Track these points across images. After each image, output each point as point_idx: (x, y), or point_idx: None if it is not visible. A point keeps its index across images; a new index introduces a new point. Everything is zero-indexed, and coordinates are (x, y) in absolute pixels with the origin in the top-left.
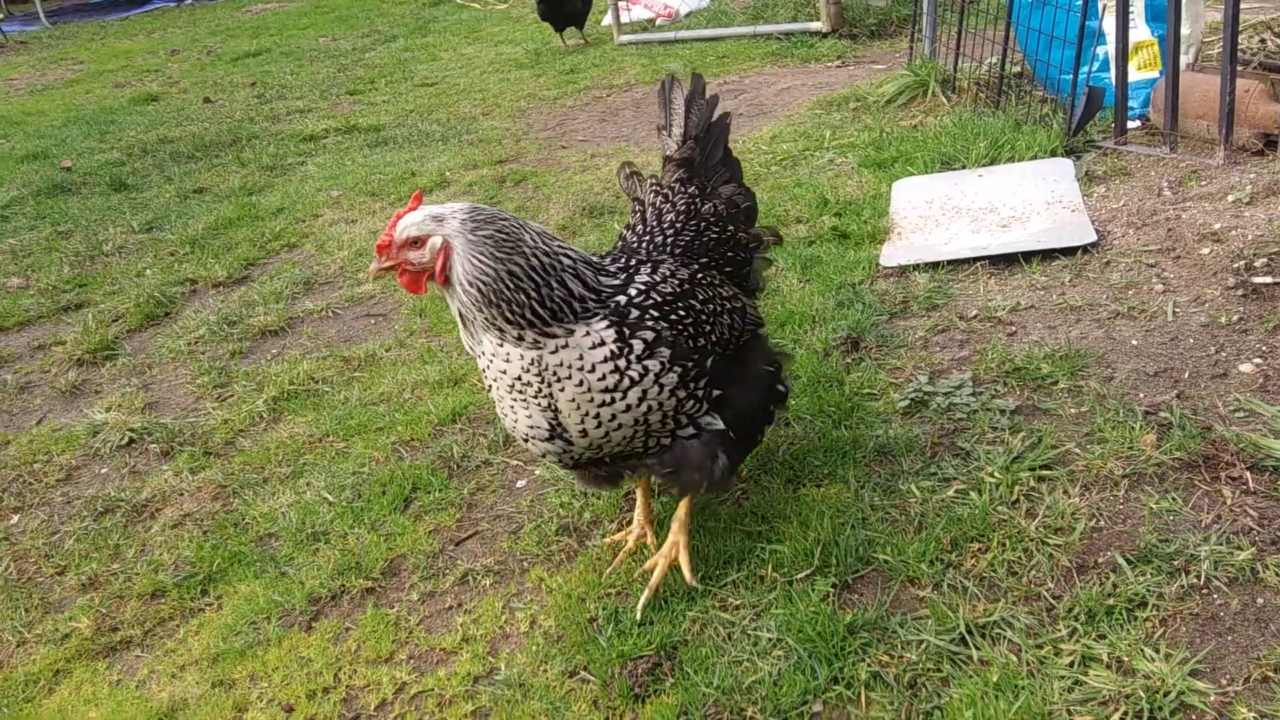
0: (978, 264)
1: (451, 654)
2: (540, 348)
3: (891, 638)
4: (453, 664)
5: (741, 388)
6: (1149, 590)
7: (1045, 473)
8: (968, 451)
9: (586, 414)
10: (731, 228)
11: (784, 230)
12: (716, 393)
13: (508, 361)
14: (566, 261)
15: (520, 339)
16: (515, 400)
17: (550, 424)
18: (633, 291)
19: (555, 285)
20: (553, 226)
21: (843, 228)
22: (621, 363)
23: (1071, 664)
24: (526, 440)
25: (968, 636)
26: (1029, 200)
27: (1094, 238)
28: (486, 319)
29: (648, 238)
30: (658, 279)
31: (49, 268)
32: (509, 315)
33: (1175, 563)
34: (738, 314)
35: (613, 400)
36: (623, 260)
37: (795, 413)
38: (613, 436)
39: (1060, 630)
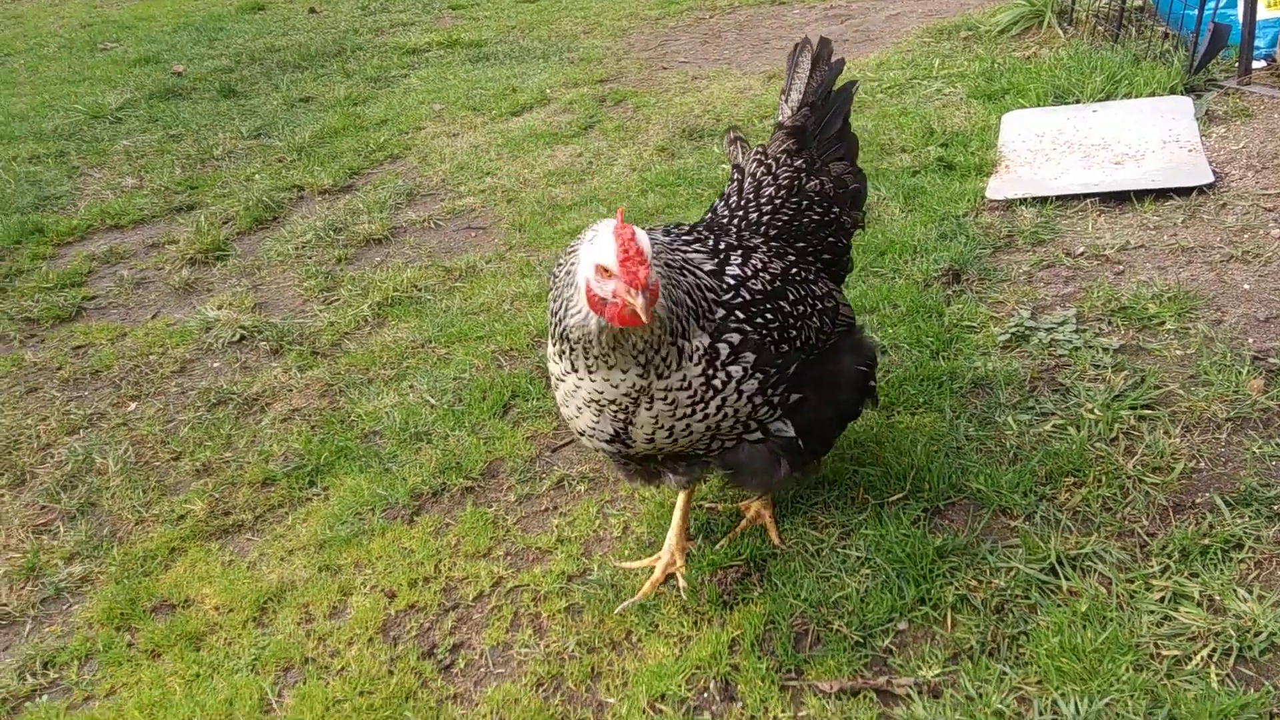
0: (1087, 201)
1: (546, 553)
2: (659, 373)
3: (980, 563)
4: (548, 562)
5: (821, 393)
6: (1246, 533)
7: (1146, 412)
8: (1067, 387)
9: (660, 425)
10: (836, 209)
11: (888, 159)
12: (794, 397)
13: (613, 387)
14: (679, 246)
15: (662, 363)
16: (589, 409)
17: (616, 430)
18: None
19: (694, 275)
20: (651, 148)
21: (948, 159)
22: (709, 371)
23: (1162, 599)
24: (582, 434)
25: (1058, 567)
26: (1144, 138)
27: (1211, 179)
28: (656, 338)
29: (740, 214)
30: (748, 273)
31: (161, 169)
32: (673, 325)
33: (1275, 507)
34: (828, 315)
35: (692, 412)
36: (711, 241)
37: (892, 341)
38: (680, 442)
39: (1152, 566)
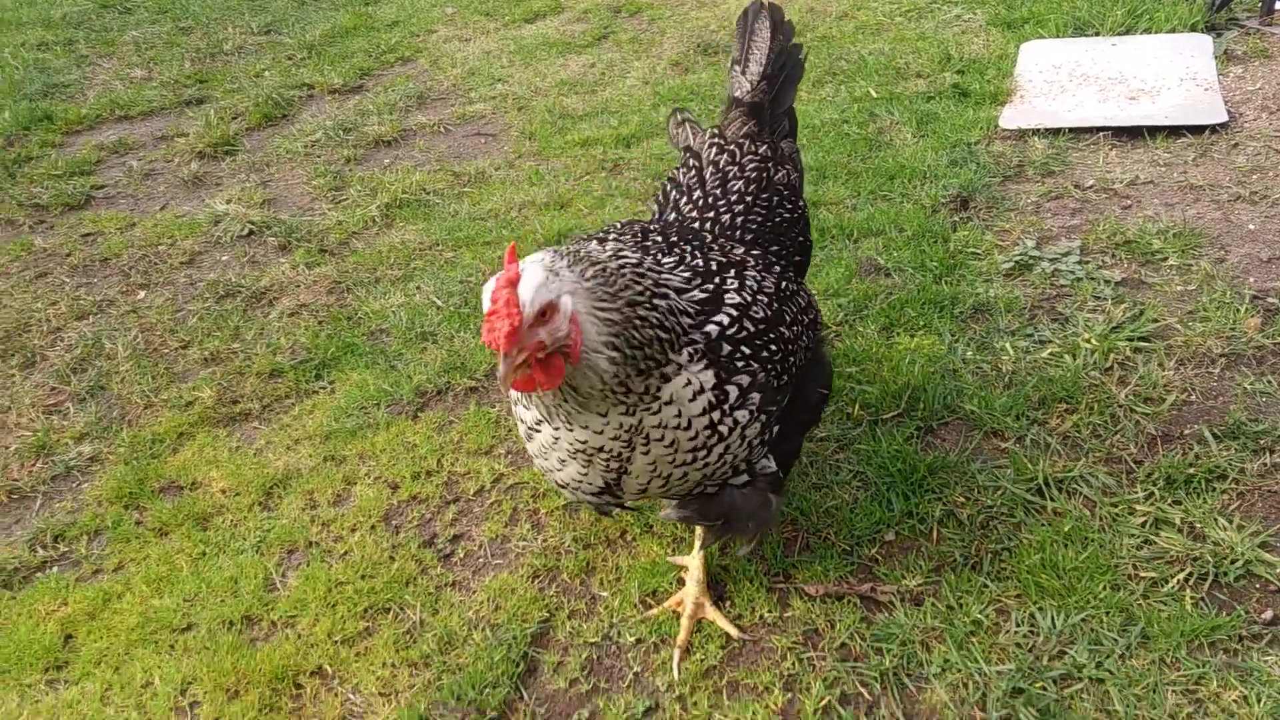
0: (1100, 134)
1: None
2: (649, 407)
3: (969, 481)
4: None
5: (794, 419)
6: (1230, 464)
7: (1143, 344)
8: (1067, 317)
9: (658, 473)
10: (803, 204)
11: (903, 84)
12: (776, 429)
13: (598, 434)
14: (650, 264)
15: (642, 397)
16: (575, 460)
17: (607, 482)
18: (723, 319)
19: (660, 301)
20: (665, 62)
21: (964, 86)
22: (716, 415)
23: (1144, 524)
24: (564, 487)
25: (1045, 488)
26: (1161, 74)
27: (1225, 118)
28: (615, 385)
29: (712, 215)
30: (747, 298)
31: (171, 62)
32: (640, 366)
33: (1261, 441)
34: (811, 330)
35: (693, 459)
36: (695, 258)
37: (896, 264)
38: (673, 490)
39: (1137, 492)
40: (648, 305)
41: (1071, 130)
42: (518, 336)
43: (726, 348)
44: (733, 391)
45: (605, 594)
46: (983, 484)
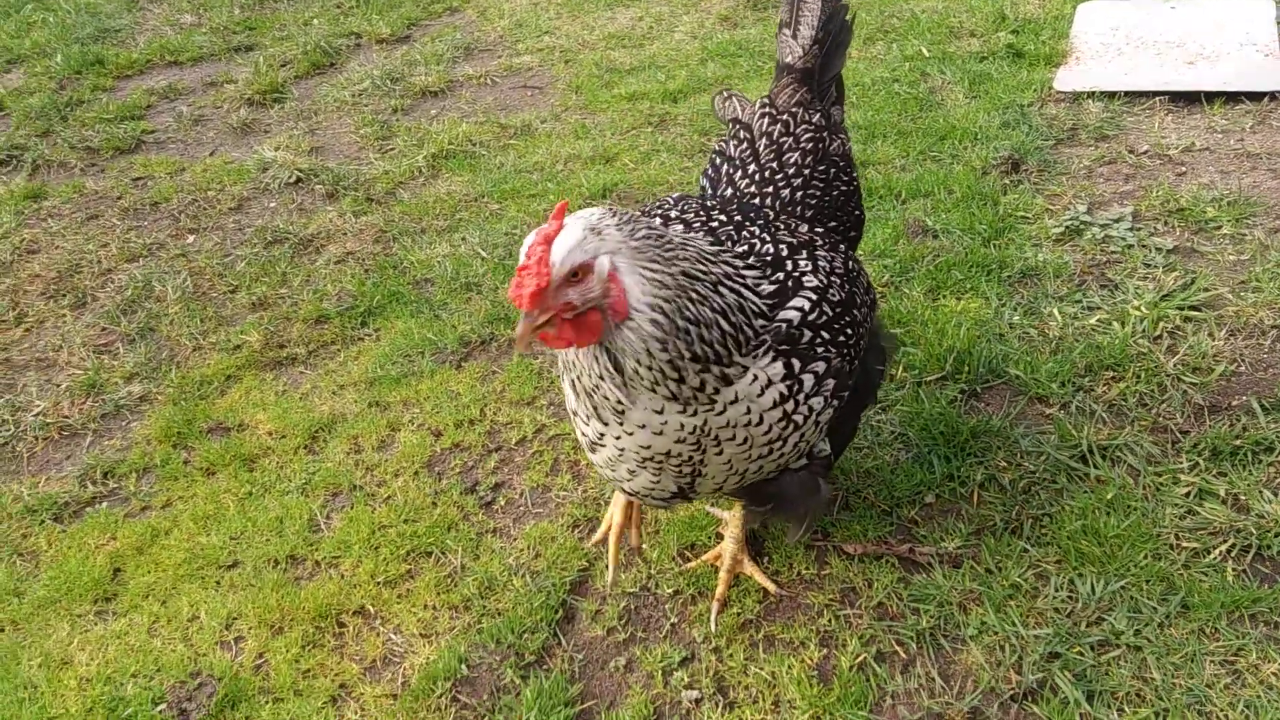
0: (1156, 99)
1: None
2: (711, 406)
3: (1012, 446)
4: None
5: (853, 399)
6: (1279, 437)
7: (1193, 313)
8: (1117, 284)
9: (734, 471)
10: (856, 174)
11: (955, 43)
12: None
13: (659, 434)
14: (727, 258)
15: (697, 393)
16: (645, 470)
17: (680, 487)
18: (803, 304)
19: (727, 292)
20: (714, 16)
21: (1018, 46)
22: (789, 406)
23: (1188, 495)
24: (635, 495)
25: (1088, 455)
26: (1220, 39)
27: None
28: (664, 364)
29: (770, 190)
30: (822, 280)
31: (220, 8)
32: (696, 350)
33: None
34: (873, 309)
35: (770, 451)
36: (756, 229)
37: (944, 226)
38: (747, 481)
39: (1182, 462)
40: (709, 286)
41: (1127, 94)
42: (542, 297)
43: (807, 334)
44: (808, 380)
45: (645, 545)
46: (1026, 449)
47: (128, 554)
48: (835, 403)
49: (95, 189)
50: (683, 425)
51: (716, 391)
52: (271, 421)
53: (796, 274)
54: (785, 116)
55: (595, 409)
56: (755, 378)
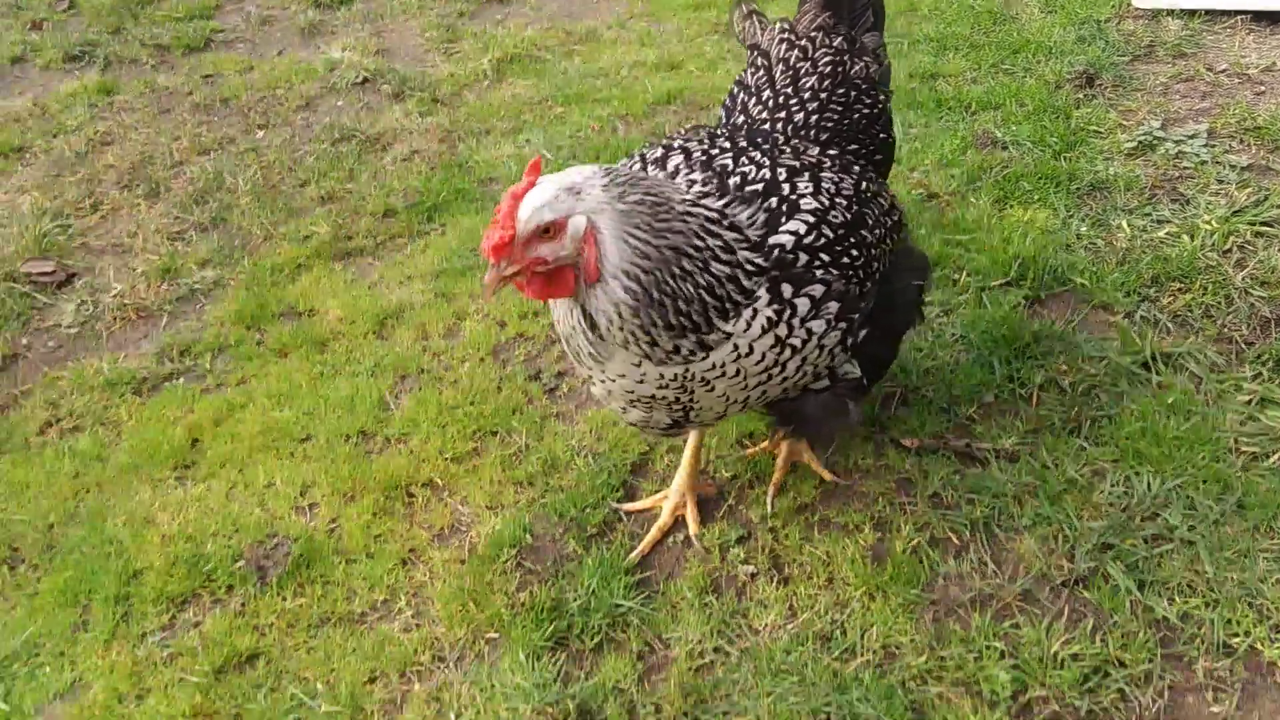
0: (1237, 18)
1: None
2: (690, 361)
3: (1074, 351)
4: None
5: (882, 321)
6: None
7: (1264, 229)
8: (1188, 199)
9: (731, 401)
10: (883, 98)
11: None
12: (863, 334)
13: (640, 383)
14: (726, 226)
15: (670, 355)
16: (635, 408)
17: (675, 419)
18: (798, 227)
19: (720, 266)
20: None
21: None
22: (782, 330)
23: (1249, 402)
24: (634, 426)
25: (1151, 362)
26: None
27: None
28: (636, 329)
29: (783, 115)
30: (824, 202)
31: None
32: (671, 320)
33: None
34: (895, 232)
35: (769, 378)
36: (757, 154)
37: (1013, 138)
38: (754, 405)
39: (1245, 372)
40: (699, 263)
41: (1207, 12)
42: (506, 249)
43: (802, 259)
44: (803, 304)
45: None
46: (1087, 354)
47: (205, 426)
48: (843, 325)
49: (166, 85)
50: (662, 375)
51: (692, 355)
52: (341, 308)
53: (793, 197)
54: (804, 42)
55: (576, 353)
56: (747, 324)
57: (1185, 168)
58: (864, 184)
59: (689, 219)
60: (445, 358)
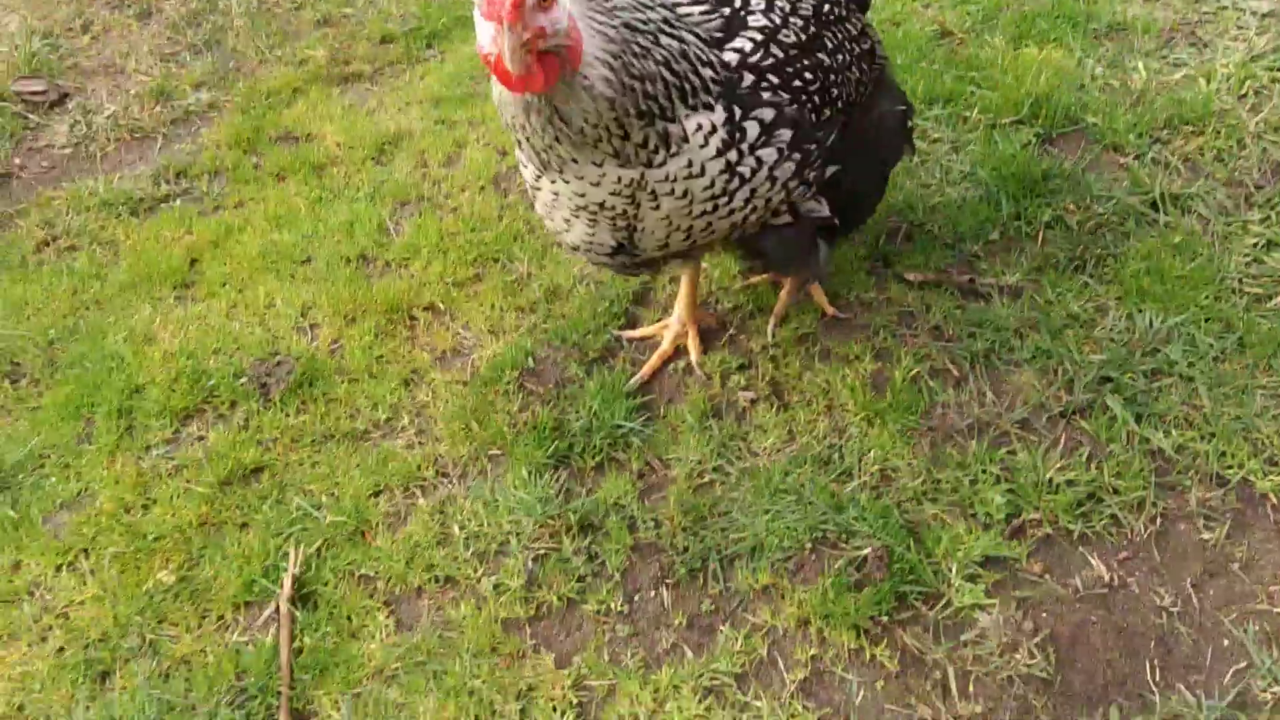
0: None
1: None
2: (650, 161)
3: (1082, 190)
4: None
5: (860, 157)
6: None
7: None
8: (1206, 43)
9: (675, 227)
10: None
11: None
12: (830, 170)
13: (595, 186)
14: (662, 6)
15: (639, 149)
16: (579, 219)
17: (620, 242)
18: (744, 44)
19: (668, 40)
20: None
21: None
22: (732, 155)
23: (1255, 244)
24: (575, 250)
25: (1159, 203)
26: None
27: None
28: (611, 121)
29: None
30: (775, 20)
31: None
32: (641, 105)
33: None
34: (865, 60)
35: (715, 208)
36: None
37: None
38: (697, 240)
39: (1253, 215)
40: (650, 37)
41: None
42: (523, 11)
43: (748, 79)
44: (752, 129)
45: (705, 265)
46: (1096, 194)
47: (204, 247)
48: (796, 156)
49: None
50: (620, 178)
51: (655, 151)
52: (339, 133)
53: (743, 13)
54: None
55: (534, 153)
56: (699, 126)
57: (1205, 12)
58: (826, 5)
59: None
60: (445, 185)
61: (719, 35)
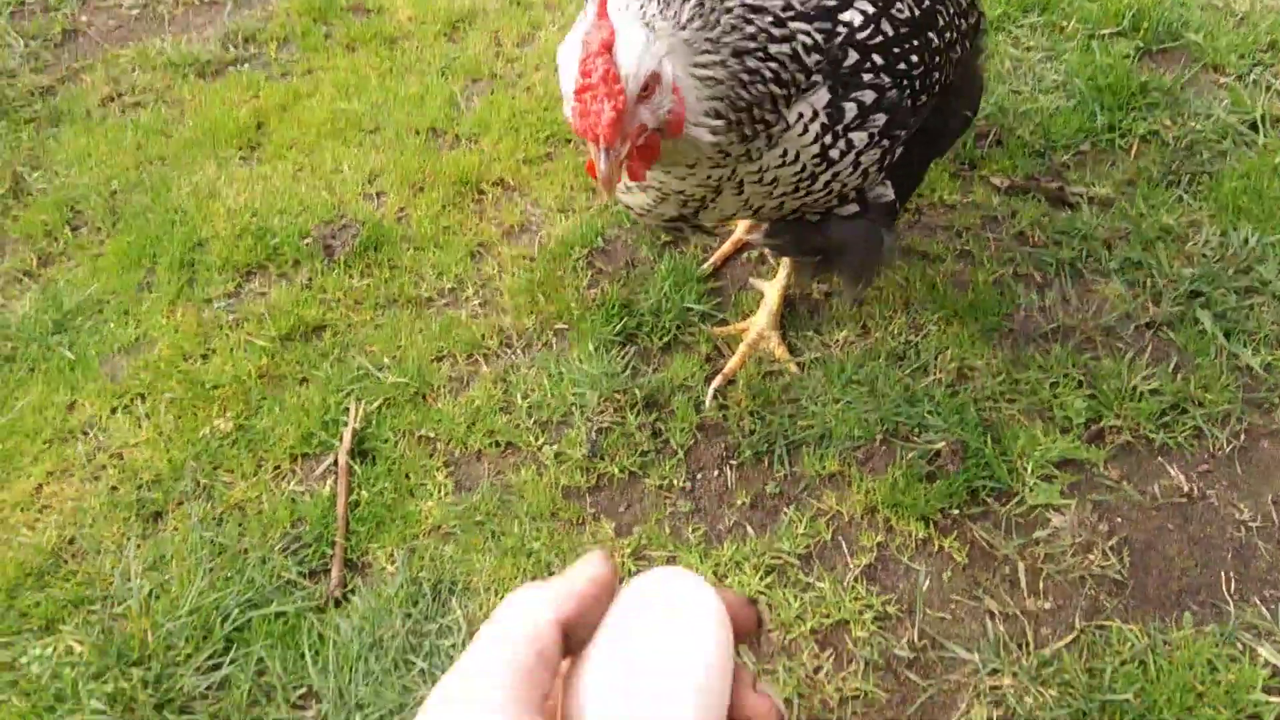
0: None
1: None
2: (749, 155)
3: (1181, 106)
4: None
5: (927, 146)
6: None
7: None
8: None
9: (748, 205)
10: None
11: None
12: (900, 152)
13: (680, 180)
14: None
15: (740, 159)
16: (648, 194)
17: (684, 214)
18: (854, 18)
19: (779, 45)
20: None
21: None
22: (827, 139)
23: None
24: (631, 209)
25: (1259, 124)
26: None
27: None
28: (714, 153)
29: None
30: None
31: None
32: (747, 130)
33: None
34: (969, 38)
35: (795, 189)
36: None
37: None
38: (764, 215)
39: None
40: (760, 54)
41: None
42: (622, 123)
43: (853, 58)
44: (849, 110)
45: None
46: (1194, 110)
47: (270, 110)
48: (885, 143)
49: None
50: (710, 175)
51: (758, 151)
52: (411, 7)
53: None
54: None
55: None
56: (800, 115)
57: None
58: None
59: (728, 6)
60: (518, 64)
61: (831, 4)
